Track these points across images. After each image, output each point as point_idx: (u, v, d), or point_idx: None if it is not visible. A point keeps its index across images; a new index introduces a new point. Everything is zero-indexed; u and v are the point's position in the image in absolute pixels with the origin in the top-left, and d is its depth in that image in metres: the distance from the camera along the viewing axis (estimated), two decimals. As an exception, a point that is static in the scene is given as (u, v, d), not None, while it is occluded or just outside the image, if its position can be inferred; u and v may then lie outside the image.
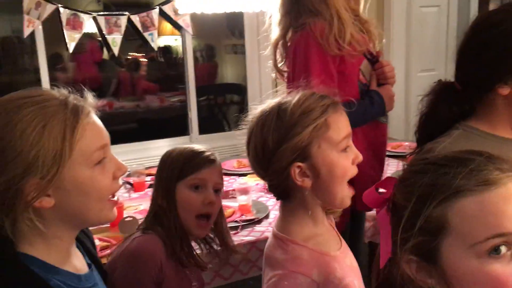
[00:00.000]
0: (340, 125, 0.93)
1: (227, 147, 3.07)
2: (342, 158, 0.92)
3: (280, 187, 0.95)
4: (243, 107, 3.63)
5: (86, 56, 4.16)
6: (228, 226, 1.40)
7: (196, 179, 1.23)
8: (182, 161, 1.23)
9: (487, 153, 0.67)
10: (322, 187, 0.92)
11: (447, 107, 1.08)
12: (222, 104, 4.43)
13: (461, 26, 4.08)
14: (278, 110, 0.92)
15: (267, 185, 0.98)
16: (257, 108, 0.97)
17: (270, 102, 0.96)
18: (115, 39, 2.85)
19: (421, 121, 1.14)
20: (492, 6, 4.44)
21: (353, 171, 0.94)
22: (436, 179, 0.66)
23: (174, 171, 1.22)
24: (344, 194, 0.94)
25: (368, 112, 1.56)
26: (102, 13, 2.84)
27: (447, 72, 3.81)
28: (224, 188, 2.10)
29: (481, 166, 0.64)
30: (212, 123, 4.17)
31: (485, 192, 0.63)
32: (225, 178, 2.29)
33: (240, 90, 3.98)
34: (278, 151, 0.89)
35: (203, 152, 1.25)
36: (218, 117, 4.38)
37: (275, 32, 1.63)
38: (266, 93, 3.40)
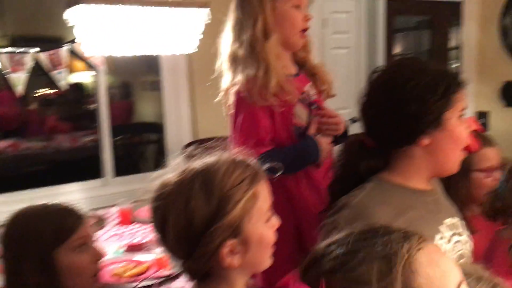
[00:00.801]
0: (266, 193, 0.89)
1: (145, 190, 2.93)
2: (268, 229, 0.88)
3: (204, 269, 0.85)
4: (161, 146, 3.52)
5: (6, 94, 3.84)
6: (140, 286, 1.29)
7: (78, 240, 1.12)
8: (52, 227, 1.10)
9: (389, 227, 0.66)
10: (250, 261, 0.86)
11: (361, 163, 1.08)
12: (139, 143, 4.28)
13: (371, 66, 4.31)
14: (204, 182, 0.83)
15: (183, 268, 0.87)
16: (165, 176, 0.87)
17: (187, 170, 0.86)
18: (20, 78, 2.66)
19: (336, 178, 1.14)
20: (397, 49, 4.76)
21: (274, 240, 0.90)
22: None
23: (46, 240, 1.08)
24: (269, 260, 0.90)
25: (300, 159, 1.57)
26: (5, 50, 2.65)
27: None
28: (139, 240, 2.01)
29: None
30: (128, 164, 4.00)
31: None
32: (140, 227, 2.18)
33: (158, 128, 3.88)
34: (210, 231, 0.81)
35: (69, 208, 1.16)
36: (134, 157, 4.23)
37: (226, 79, 1.64)
38: (184, 132, 3.33)
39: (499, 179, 1.14)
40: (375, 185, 1.05)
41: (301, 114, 1.62)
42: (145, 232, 2.09)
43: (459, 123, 1.03)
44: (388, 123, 1.04)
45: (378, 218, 0.97)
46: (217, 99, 1.71)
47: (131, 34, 1.77)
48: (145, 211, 2.31)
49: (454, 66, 3.90)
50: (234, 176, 0.84)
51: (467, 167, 1.46)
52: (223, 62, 1.64)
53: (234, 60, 1.58)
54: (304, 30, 1.62)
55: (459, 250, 1.07)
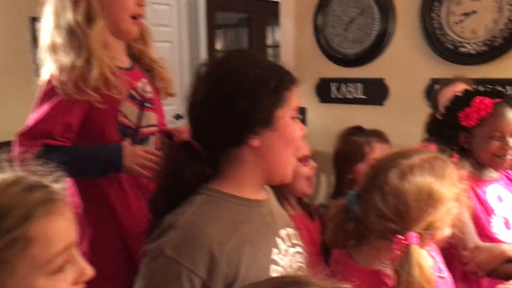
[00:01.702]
0: (54, 234, 0.64)
1: None
2: (55, 283, 0.64)
3: None
4: None
5: None
6: None
7: None
8: None
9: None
10: None
11: (187, 170, 0.93)
12: None
13: (194, 61, 4.23)
14: None
15: None
16: None
17: None
18: None
19: (159, 190, 0.96)
20: (219, 45, 4.77)
21: None
22: None
23: None
24: None
25: (93, 162, 1.35)
26: None
27: (182, 106, 3.87)
28: None
29: None
30: None
31: None
32: None
33: None
34: None
35: None
36: None
37: (44, 71, 1.39)
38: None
39: (347, 196, 1.04)
40: (205, 198, 0.91)
41: (129, 112, 1.44)
42: None
43: (291, 123, 0.95)
44: (214, 120, 0.91)
45: (211, 238, 0.83)
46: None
47: None
48: None
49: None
50: None
51: None
52: (42, 52, 1.39)
53: (53, 49, 1.36)
54: (137, 16, 1.44)
55: (297, 262, 0.99)
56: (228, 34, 5.34)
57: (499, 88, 1.62)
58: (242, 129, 0.90)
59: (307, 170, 1.64)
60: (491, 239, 1.45)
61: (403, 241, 0.90)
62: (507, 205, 1.51)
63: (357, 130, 1.90)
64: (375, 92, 2.74)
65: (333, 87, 2.89)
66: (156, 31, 3.78)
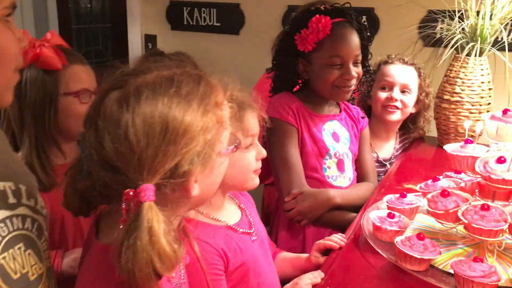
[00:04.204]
0: None
1: None
2: None
3: None
4: None
5: None
6: None
7: None
8: None
9: None
10: None
11: None
12: None
13: (39, 25, 3.51)
14: None
15: None
16: None
17: None
18: None
19: None
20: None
21: None
22: None
23: None
24: None
25: None
26: None
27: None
28: None
29: None
30: None
31: None
32: None
33: None
34: None
35: None
36: None
37: None
38: None
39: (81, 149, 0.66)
40: None
41: None
42: None
43: (1, 27, 0.63)
44: None
45: None
46: None
47: None
48: None
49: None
50: None
51: (51, 91, 1.14)
52: None
53: None
54: None
55: (16, 230, 0.68)
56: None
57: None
58: None
59: (84, 108, 1.22)
60: (322, 182, 1.27)
61: (133, 197, 0.58)
62: (342, 144, 1.33)
63: (158, 55, 1.51)
64: (231, 19, 2.46)
65: (186, 12, 2.55)
66: None
